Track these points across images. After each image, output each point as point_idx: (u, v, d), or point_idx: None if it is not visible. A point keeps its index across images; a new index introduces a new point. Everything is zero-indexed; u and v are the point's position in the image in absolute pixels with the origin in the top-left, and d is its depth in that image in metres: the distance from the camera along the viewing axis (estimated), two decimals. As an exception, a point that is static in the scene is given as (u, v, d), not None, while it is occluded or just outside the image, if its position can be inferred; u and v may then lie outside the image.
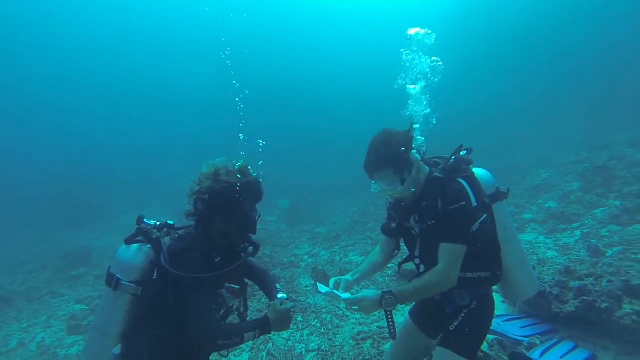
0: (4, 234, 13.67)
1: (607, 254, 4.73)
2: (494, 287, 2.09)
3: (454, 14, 28.49)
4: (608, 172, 7.91)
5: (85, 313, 5.98)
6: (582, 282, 3.20)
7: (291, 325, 1.87)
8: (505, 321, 3.47)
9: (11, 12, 23.98)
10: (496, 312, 3.89)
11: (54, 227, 15.08)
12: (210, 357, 1.97)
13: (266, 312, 1.84)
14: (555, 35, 30.61)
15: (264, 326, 1.72)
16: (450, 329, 1.94)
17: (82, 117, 33.84)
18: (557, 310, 3.23)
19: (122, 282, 1.63)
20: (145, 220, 1.84)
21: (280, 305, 1.83)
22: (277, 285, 2.10)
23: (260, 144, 2.17)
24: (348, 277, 2.14)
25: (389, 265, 4.71)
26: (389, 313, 1.75)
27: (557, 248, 5.54)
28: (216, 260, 1.74)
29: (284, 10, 29.26)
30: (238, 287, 1.96)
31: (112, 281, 1.63)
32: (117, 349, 1.62)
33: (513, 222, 2.18)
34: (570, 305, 3.15)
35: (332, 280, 2.10)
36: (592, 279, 3.20)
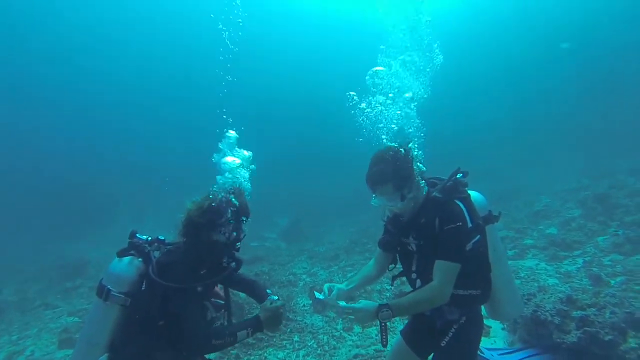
0: (1, 244, 13.57)
1: (610, 284, 4.68)
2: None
3: (457, 32, 29.02)
4: (609, 200, 7.92)
5: (77, 326, 5.86)
6: (584, 312, 3.15)
7: (282, 324, 1.96)
8: (502, 354, 3.38)
9: (19, 15, 24.34)
10: (496, 340, 3.87)
11: (51, 237, 14.98)
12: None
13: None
14: (559, 60, 31.04)
15: (256, 325, 1.82)
16: (442, 344, 2.00)
17: (84, 129, 34.06)
18: (558, 340, 3.16)
19: (112, 293, 1.69)
20: (137, 235, 1.93)
21: (270, 304, 1.92)
22: (267, 290, 2.16)
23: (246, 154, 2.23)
24: (342, 286, 2.20)
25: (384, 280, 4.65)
26: (383, 324, 1.83)
27: (558, 275, 5.48)
28: (202, 272, 1.82)
29: (286, 19, 29.67)
30: (222, 302, 2.05)
31: (103, 292, 1.70)
32: (104, 358, 1.67)
33: (502, 245, 2.27)
34: (572, 336, 3.08)
35: (325, 286, 2.14)
36: (594, 309, 3.15)
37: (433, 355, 2.08)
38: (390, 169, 1.89)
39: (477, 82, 34.34)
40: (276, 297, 2.03)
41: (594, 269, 5.23)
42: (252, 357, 4.27)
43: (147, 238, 1.92)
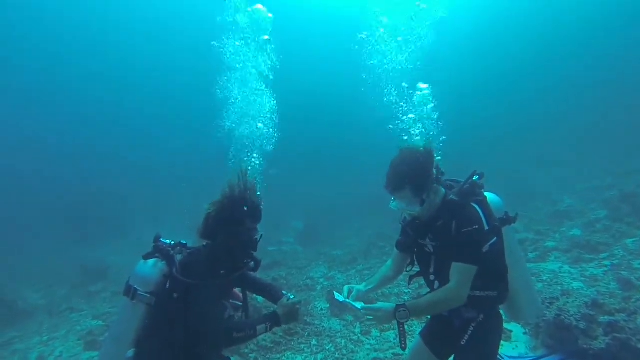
0: (25, 248, 14.09)
1: (640, 288, 4.50)
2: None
3: (475, 28, 28.54)
4: (638, 199, 7.60)
5: (101, 329, 6.05)
6: (612, 318, 3.04)
7: (298, 319, 2.04)
8: None
9: (26, 15, 25.00)
10: (518, 345, 3.78)
11: (72, 242, 15.47)
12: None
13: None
14: (581, 55, 30.21)
15: (273, 319, 1.90)
16: (462, 343, 2.01)
17: (103, 134, 34.98)
18: (585, 345, 3.07)
19: (139, 293, 1.81)
20: (161, 239, 2.04)
21: (287, 301, 2.01)
22: (283, 291, 2.22)
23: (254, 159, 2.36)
24: (361, 287, 2.26)
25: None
26: (401, 325, 1.84)
27: (583, 279, 5.30)
28: (221, 272, 1.94)
29: (298, 19, 29.83)
30: (241, 303, 2.15)
31: (130, 292, 1.82)
32: (130, 352, 1.76)
33: (519, 246, 2.27)
34: (600, 342, 2.98)
35: (345, 287, 2.22)
36: (624, 315, 3.04)
37: (454, 355, 2.09)
38: (410, 175, 1.93)
39: (492, 79, 33.69)
40: (292, 296, 2.11)
41: (623, 272, 5.02)
42: (270, 361, 4.30)
43: (170, 242, 2.03)
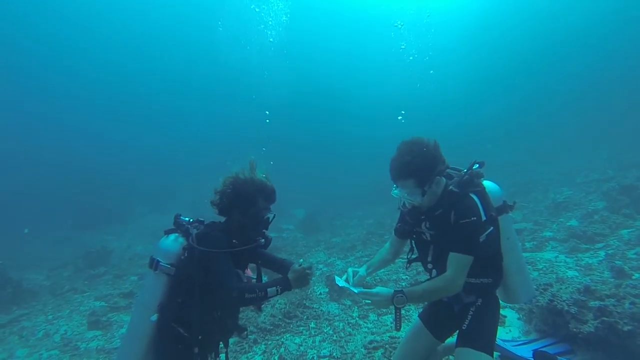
0: (30, 232, 14.25)
1: (633, 277, 4.57)
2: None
3: (478, 23, 28.29)
4: (637, 191, 7.63)
5: (104, 309, 6.19)
6: (602, 303, 3.12)
7: (309, 283, 2.09)
8: (515, 346, 3.39)
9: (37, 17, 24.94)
10: (512, 329, 3.87)
11: (75, 227, 15.65)
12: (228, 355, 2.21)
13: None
14: (583, 49, 29.97)
15: (284, 283, 1.98)
16: (463, 328, 2.09)
17: (106, 122, 35.00)
18: (575, 329, 3.15)
19: (161, 264, 2.00)
20: (181, 217, 2.21)
21: (298, 266, 2.07)
22: (299, 260, 2.34)
23: (263, 150, 2.45)
24: (362, 271, 2.34)
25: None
26: (398, 310, 1.92)
27: (578, 268, 5.37)
28: (234, 242, 2.06)
29: (306, 13, 29.60)
30: (254, 277, 2.29)
31: (153, 263, 2.02)
32: (154, 317, 1.96)
33: (515, 234, 2.31)
34: (589, 326, 3.06)
35: (349, 270, 2.30)
36: (613, 300, 3.11)
37: (456, 339, 2.14)
38: (415, 164, 1.95)
39: (498, 73, 33.51)
40: (302, 260, 2.17)
41: (617, 262, 5.09)
42: (270, 342, 4.41)
43: (189, 219, 2.20)
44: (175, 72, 34.64)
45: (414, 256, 2.33)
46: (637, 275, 4.63)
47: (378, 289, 1.94)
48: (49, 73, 30.01)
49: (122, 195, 19.25)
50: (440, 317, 2.33)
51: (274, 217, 2.22)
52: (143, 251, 11.12)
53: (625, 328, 2.85)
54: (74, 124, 33.76)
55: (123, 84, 34.15)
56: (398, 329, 1.95)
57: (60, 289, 7.84)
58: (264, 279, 2.32)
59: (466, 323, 2.08)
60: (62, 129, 33.08)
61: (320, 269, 7.39)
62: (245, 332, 2.29)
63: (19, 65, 28.22)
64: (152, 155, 33.32)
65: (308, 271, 2.05)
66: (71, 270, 9.38)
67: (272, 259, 2.39)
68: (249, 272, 2.31)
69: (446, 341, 2.42)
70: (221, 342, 2.19)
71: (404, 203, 2.26)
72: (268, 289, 1.90)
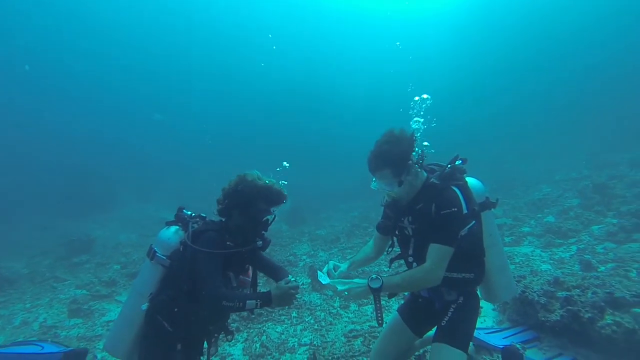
0: (10, 220, 13.89)
1: (598, 269, 4.82)
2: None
3: (466, 25, 28.64)
4: (608, 190, 7.98)
5: (85, 298, 6.14)
6: (568, 293, 3.30)
7: (291, 304, 2.04)
8: (488, 333, 3.56)
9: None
10: (486, 319, 4.04)
11: (58, 215, 15.30)
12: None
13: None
14: (568, 54, 30.68)
15: (265, 298, 1.93)
16: (442, 324, 2.08)
17: (88, 114, 34.23)
18: (543, 318, 3.32)
19: (158, 255, 2.07)
20: (183, 210, 2.27)
21: (285, 284, 2.03)
22: (289, 277, 2.28)
23: (286, 165, 2.55)
24: (344, 267, 2.32)
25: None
26: (377, 299, 1.88)
27: (551, 261, 5.62)
28: (228, 243, 2.07)
29: (293, 13, 29.50)
30: (249, 279, 2.32)
31: (150, 253, 2.08)
32: (144, 306, 2.01)
33: (498, 230, 2.32)
34: (556, 315, 3.24)
35: (330, 263, 2.31)
36: (578, 290, 3.29)
37: (434, 334, 2.13)
38: (389, 155, 1.96)
39: (484, 77, 34.09)
40: (293, 278, 2.15)
41: (587, 256, 5.35)
42: (251, 331, 4.48)
43: (190, 214, 2.24)
44: (162, 68, 34.15)
45: (396, 250, 2.32)
46: (602, 268, 4.88)
47: (356, 280, 1.94)
48: (35, 68, 29.12)
49: (106, 184, 18.90)
50: (420, 313, 2.33)
51: (274, 218, 2.21)
52: (126, 240, 11.02)
53: (586, 315, 3.03)
54: (58, 116, 32.87)
55: (108, 79, 33.49)
56: (380, 323, 1.91)
57: (40, 276, 7.71)
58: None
59: (445, 319, 2.07)
60: (45, 121, 32.13)
61: (304, 260, 7.49)
62: (231, 336, 2.30)
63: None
64: (136, 147, 32.85)
65: (293, 291, 1.99)
66: (52, 258, 9.21)
67: (268, 263, 2.38)
68: (249, 274, 2.31)
69: (425, 335, 2.44)
70: (205, 342, 2.19)
71: (386, 199, 2.25)
72: (247, 301, 1.86)
